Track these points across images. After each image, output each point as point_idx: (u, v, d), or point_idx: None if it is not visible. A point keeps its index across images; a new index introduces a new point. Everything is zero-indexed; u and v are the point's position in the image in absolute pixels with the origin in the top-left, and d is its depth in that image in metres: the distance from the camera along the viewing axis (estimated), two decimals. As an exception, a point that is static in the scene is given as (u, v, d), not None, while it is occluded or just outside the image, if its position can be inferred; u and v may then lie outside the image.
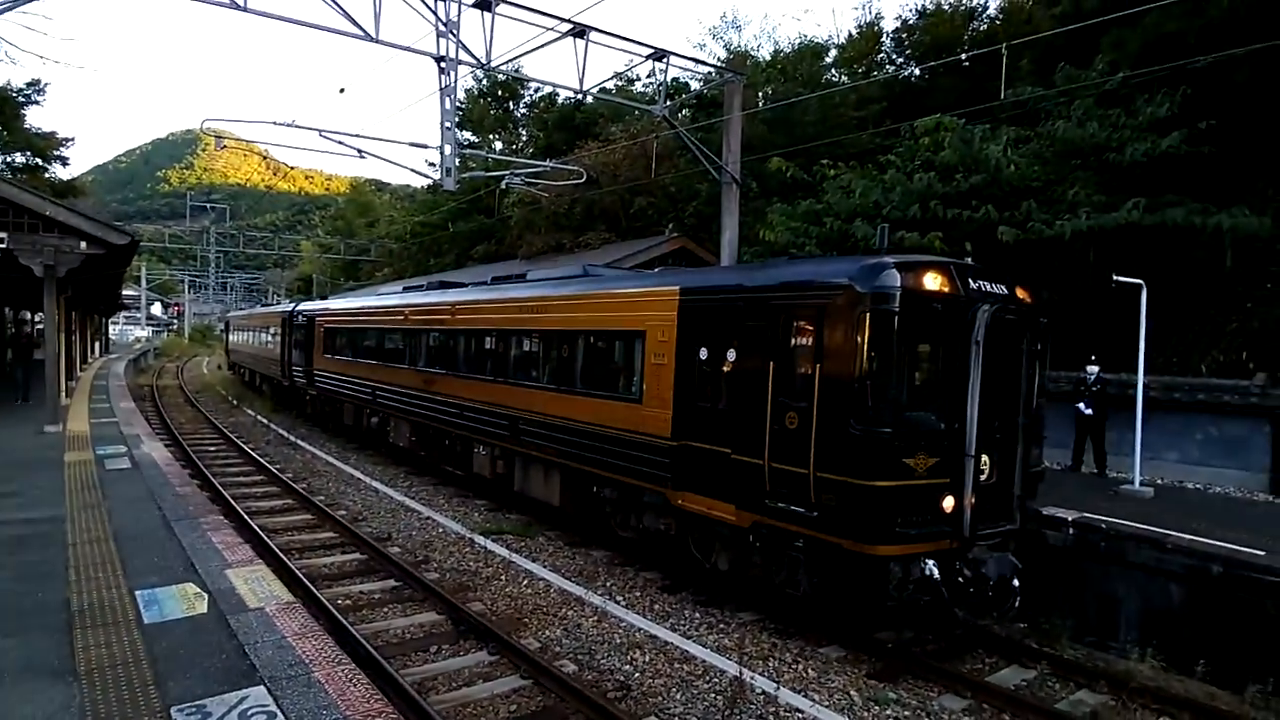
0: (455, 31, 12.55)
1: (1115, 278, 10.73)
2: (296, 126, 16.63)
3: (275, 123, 16.95)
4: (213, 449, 18.43)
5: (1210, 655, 7.34)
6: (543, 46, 14.02)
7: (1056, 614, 8.47)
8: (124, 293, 43.00)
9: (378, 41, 12.12)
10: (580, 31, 13.45)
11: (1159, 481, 11.82)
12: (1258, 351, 13.49)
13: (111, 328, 63.62)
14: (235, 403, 28.91)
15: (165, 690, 4.64)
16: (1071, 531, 8.65)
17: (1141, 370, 10.86)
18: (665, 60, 14.99)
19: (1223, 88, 14.31)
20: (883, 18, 39.76)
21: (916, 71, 24.85)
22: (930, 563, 7.01)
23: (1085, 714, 6.75)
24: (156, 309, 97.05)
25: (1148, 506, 9.88)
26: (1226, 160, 14.33)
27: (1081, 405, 12.26)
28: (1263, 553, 7.59)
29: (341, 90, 21.68)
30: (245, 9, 11.12)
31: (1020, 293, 7.90)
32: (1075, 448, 12.68)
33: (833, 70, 28.48)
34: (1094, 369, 12.25)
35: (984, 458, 7.29)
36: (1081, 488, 10.92)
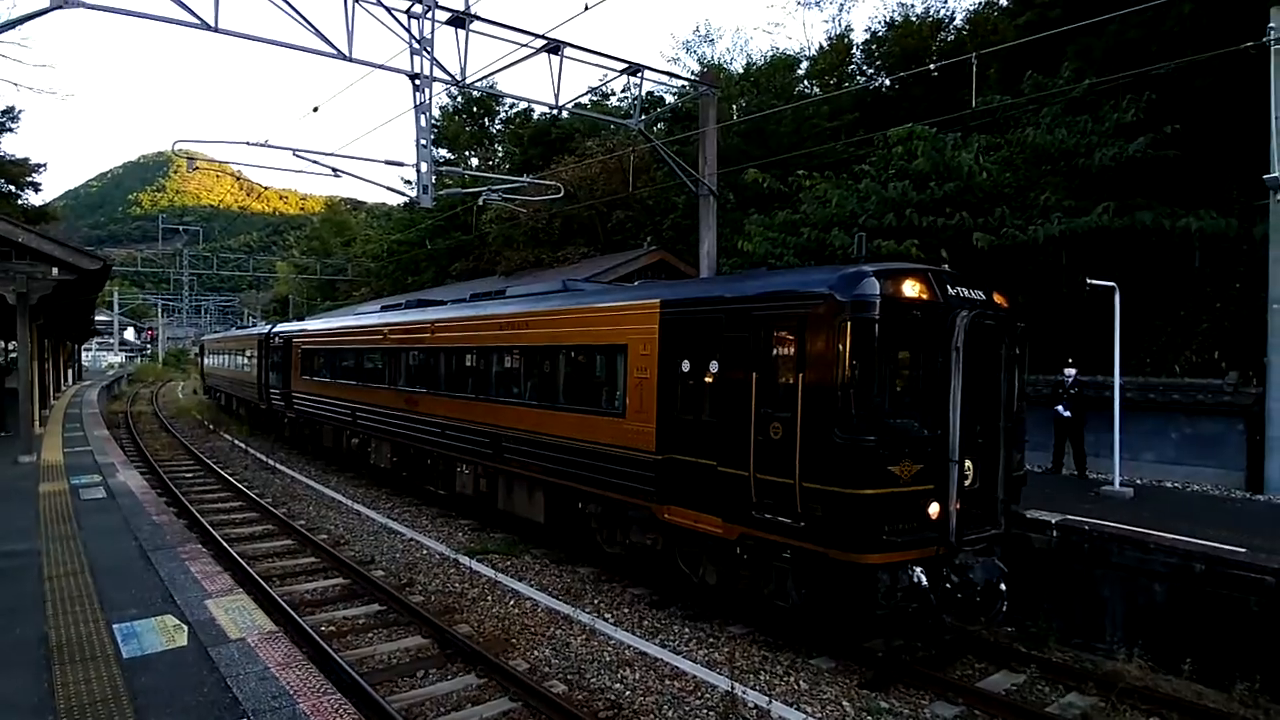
0: (429, 49, 12.54)
1: (1089, 281, 10.89)
2: (270, 146, 16.51)
3: (248, 143, 16.86)
4: (189, 476, 18.12)
5: (1196, 653, 7.40)
6: (518, 63, 14.08)
7: (1043, 617, 8.51)
8: (96, 318, 42.27)
9: (351, 60, 12.08)
10: (555, 47, 13.49)
11: (1138, 481, 11.96)
12: (1229, 350, 13.74)
13: (84, 354, 62.54)
14: (211, 427, 28.48)
15: (145, 727, 4.52)
16: (1055, 534, 8.71)
17: (1117, 372, 11.01)
18: (640, 75, 15.08)
19: (1185, 93, 14.65)
20: (852, 30, 40.36)
21: (887, 82, 25.20)
22: (918, 570, 7.02)
23: (1075, 716, 6.78)
24: (129, 334, 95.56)
25: (1128, 507, 9.99)
26: (1191, 163, 14.65)
27: (1060, 408, 12.39)
28: (1243, 550, 7.68)
29: (315, 109, 21.49)
30: (216, 29, 11.04)
31: (998, 298, 7.98)
32: (1055, 450, 12.80)
33: (805, 82, 28.82)
34: (1071, 371, 12.40)
35: (967, 463, 7.34)
36: (1062, 490, 11.02)
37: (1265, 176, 11.34)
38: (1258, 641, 7.14)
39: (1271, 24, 11.28)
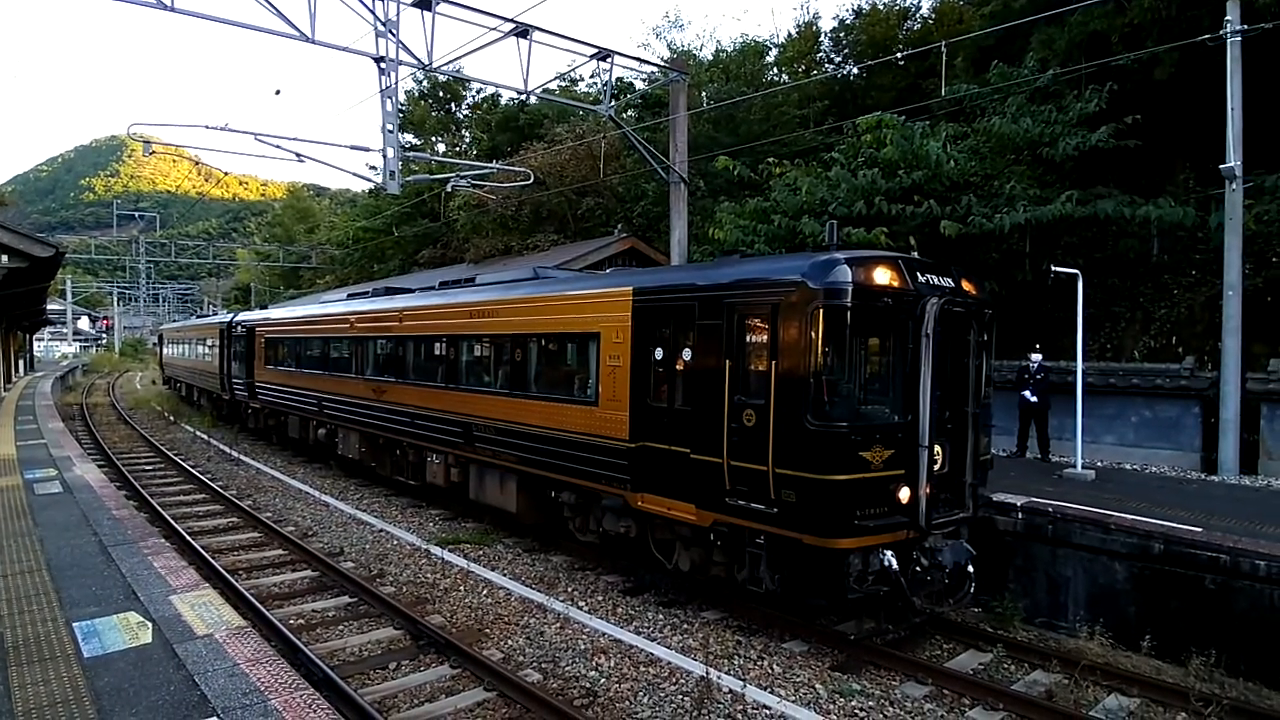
0: (395, 31, 12.30)
1: (1054, 269, 11.08)
2: (230, 130, 16.11)
3: (207, 126, 16.45)
4: (150, 468, 17.70)
5: (1155, 630, 7.61)
6: (485, 47, 13.87)
7: (1009, 597, 8.69)
8: (49, 307, 41.03)
9: (314, 42, 11.81)
10: (523, 31, 13.32)
11: (1099, 464, 12.25)
12: (1185, 336, 14.11)
13: (36, 344, 60.70)
14: (172, 419, 27.85)
15: (109, 727, 4.41)
16: (1020, 516, 8.88)
17: (1080, 357, 11.24)
18: (609, 60, 14.96)
19: (1146, 84, 14.94)
20: (820, 18, 40.45)
21: (855, 70, 25.33)
22: (889, 554, 7.11)
23: (1040, 694, 6.94)
24: (84, 323, 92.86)
25: (1090, 488, 10.23)
26: (1151, 153, 14.97)
27: (1026, 393, 12.62)
28: (1199, 529, 7.92)
29: (277, 92, 21.05)
30: (173, 9, 10.71)
31: (966, 285, 8.06)
32: (1020, 434, 13.06)
33: (774, 69, 28.84)
34: (1037, 357, 12.62)
35: (937, 448, 7.43)
36: (1027, 473, 11.25)
37: (1221, 166, 11.61)
38: (1213, 617, 7.38)
39: (1228, 17, 11.53)
